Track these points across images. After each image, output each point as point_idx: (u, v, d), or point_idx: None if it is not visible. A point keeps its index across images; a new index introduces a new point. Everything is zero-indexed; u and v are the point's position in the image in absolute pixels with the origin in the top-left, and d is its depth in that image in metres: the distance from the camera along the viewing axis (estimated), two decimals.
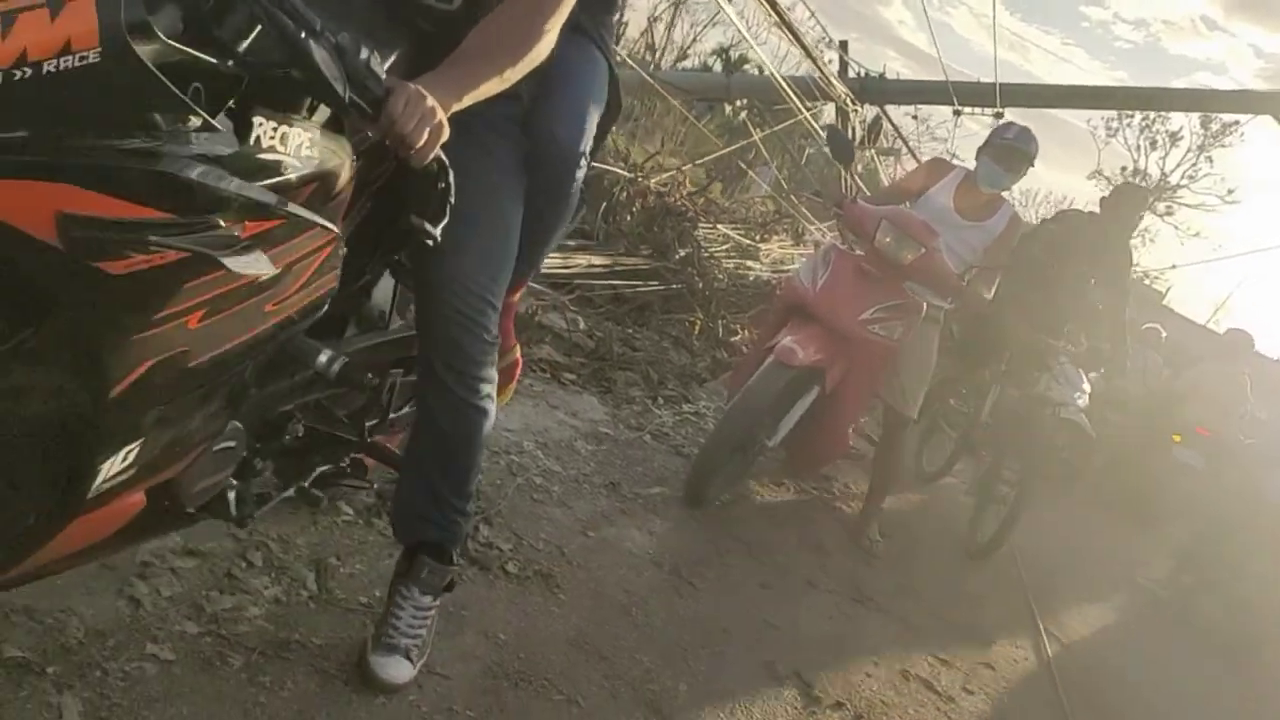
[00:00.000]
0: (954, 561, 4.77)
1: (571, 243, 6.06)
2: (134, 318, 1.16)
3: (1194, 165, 27.80)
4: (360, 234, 1.69)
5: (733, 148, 10.14)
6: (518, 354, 2.28)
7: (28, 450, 1.20)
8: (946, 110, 11.02)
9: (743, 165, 9.83)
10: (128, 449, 1.27)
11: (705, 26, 19.51)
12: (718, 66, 18.73)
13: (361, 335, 1.95)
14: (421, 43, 1.67)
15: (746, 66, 17.39)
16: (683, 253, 6.74)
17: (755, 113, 12.02)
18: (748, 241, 8.32)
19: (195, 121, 1.13)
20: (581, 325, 5.18)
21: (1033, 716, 3.52)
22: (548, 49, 1.64)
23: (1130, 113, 26.05)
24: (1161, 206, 27.86)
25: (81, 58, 1.00)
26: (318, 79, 1.21)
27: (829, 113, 11.49)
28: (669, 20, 19.10)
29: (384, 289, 2.00)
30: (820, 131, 11.36)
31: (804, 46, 9.10)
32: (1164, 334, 9.30)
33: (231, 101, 1.20)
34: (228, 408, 1.49)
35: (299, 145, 1.32)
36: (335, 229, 1.45)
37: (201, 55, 1.14)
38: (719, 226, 7.92)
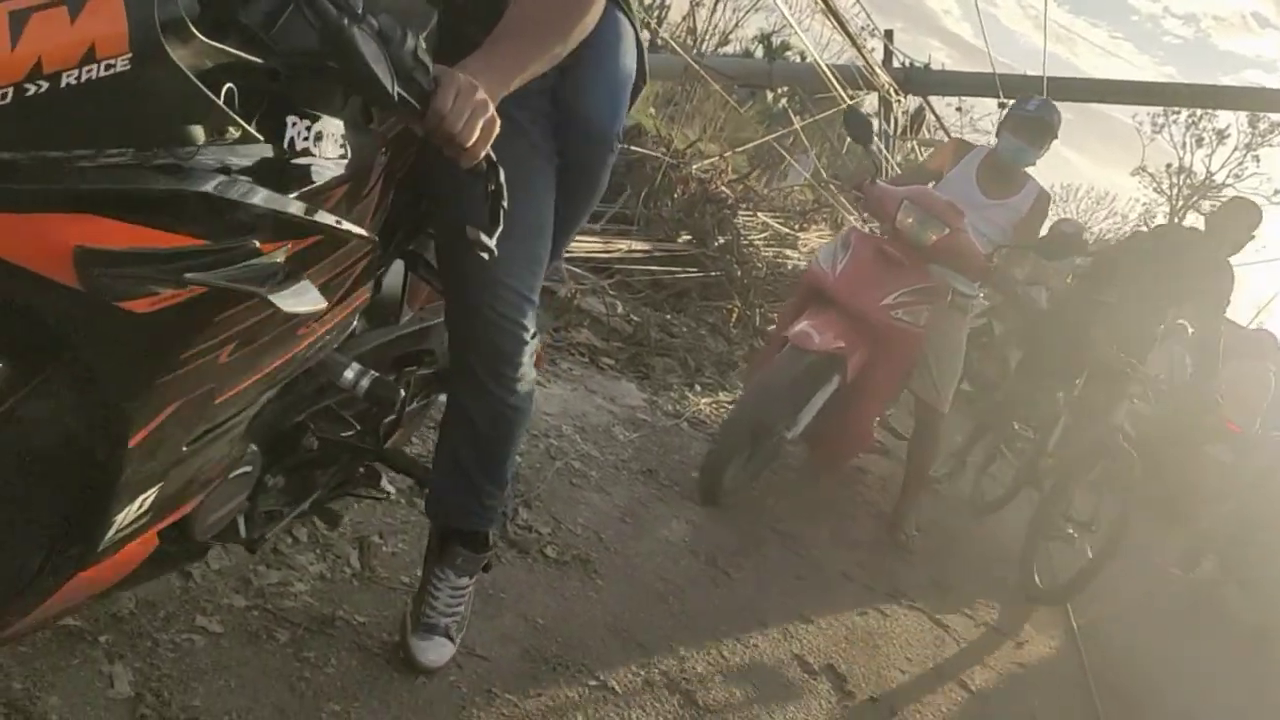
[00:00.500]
0: (989, 560, 4.74)
1: (612, 227, 6.06)
2: (160, 360, 1.03)
3: (1240, 164, 27.42)
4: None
5: (773, 135, 10.07)
6: (538, 342, 2.16)
7: (36, 502, 1.08)
8: (990, 103, 10.91)
9: (783, 151, 9.76)
10: (144, 497, 1.16)
11: (748, 11, 19.35)
12: (760, 53, 18.61)
13: (373, 332, 1.77)
14: (454, 9, 1.49)
15: (789, 53, 17.28)
16: (722, 240, 6.71)
17: (796, 101, 11.95)
18: (786, 230, 8.27)
19: (233, 132, 0.99)
20: (620, 310, 5.18)
21: (1067, 717, 3.49)
22: (595, 20, 1.51)
23: (1177, 109, 25.69)
24: (1206, 205, 27.44)
25: (108, 66, 0.85)
26: (362, 72, 1.05)
27: (871, 102, 11.41)
28: (712, 5, 18.97)
29: (394, 278, 1.82)
30: None
31: (848, 34, 9.05)
32: (1190, 330, 9.17)
33: (266, 102, 1.07)
34: (248, 433, 1.38)
35: (332, 145, 1.20)
36: (374, 237, 1.34)
37: (239, 53, 0.99)
38: (759, 214, 7.87)
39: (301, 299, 1.09)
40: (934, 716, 2.93)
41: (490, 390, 1.73)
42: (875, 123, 11.08)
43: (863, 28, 10.79)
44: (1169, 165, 28.39)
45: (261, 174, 1.03)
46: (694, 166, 7.34)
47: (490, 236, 1.29)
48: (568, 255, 5.16)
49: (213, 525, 1.44)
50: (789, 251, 7.87)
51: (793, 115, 10.30)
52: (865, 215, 4.09)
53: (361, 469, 1.93)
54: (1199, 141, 27.66)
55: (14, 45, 0.80)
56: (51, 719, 1.51)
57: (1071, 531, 4.28)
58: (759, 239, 7.36)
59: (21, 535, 1.10)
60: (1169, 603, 5.74)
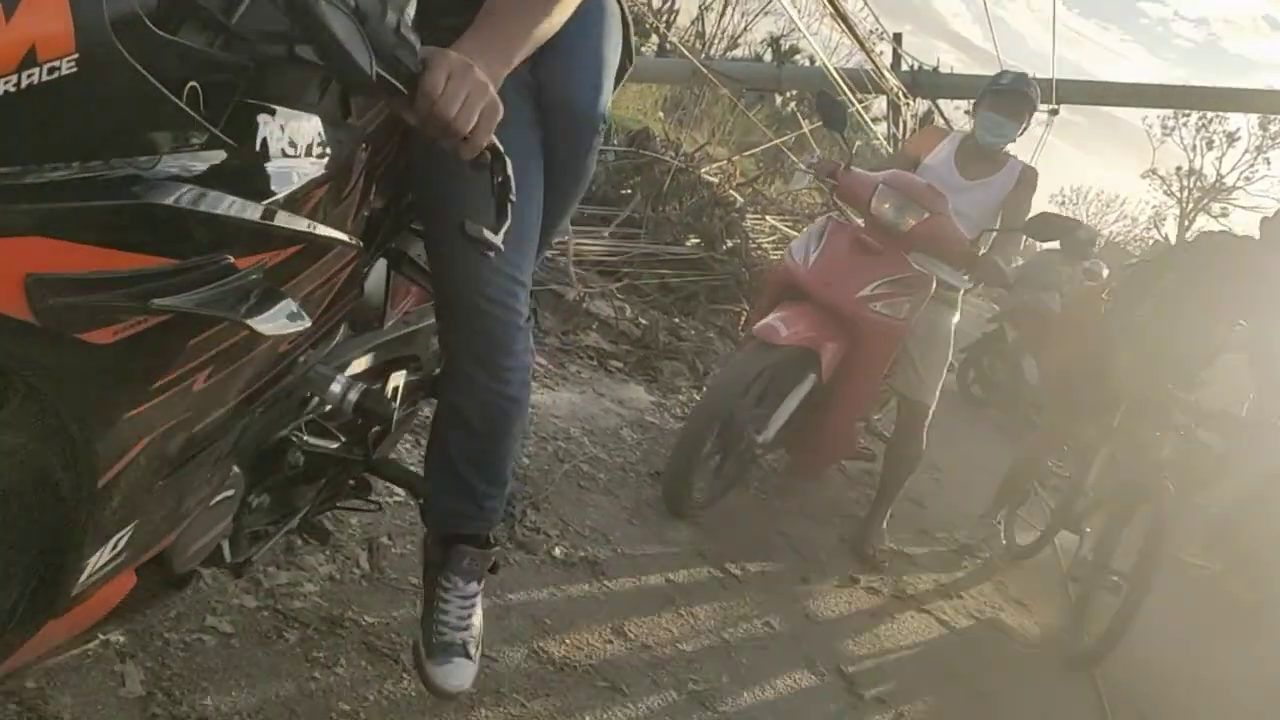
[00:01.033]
0: (995, 563, 4.72)
1: (620, 231, 6.08)
2: (127, 392, 0.93)
3: (1251, 166, 27.39)
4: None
5: (782, 139, 10.07)
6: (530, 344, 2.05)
7: (6, 546, 0.98)
8: None
9: (787, 152, 9.76)
10: (118, 537, 1.06)
11: (757, 15, 19.37)
12: (769, 57, 18.62)
13: (357, 338, 1.65)
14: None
15: (798, 57, 17.29)
16: (730, 243, 6.72)
17: (805, 104, 11.95)
18: (794, 234, 8.27)
19: (198, 135, 0.88)
20: (628, 313, 5.19)
21: (1075, 717, 3.49)
22: None
23: (1187, 111, 25.65)
24: (1216, 208, 27.41)
25: (52, 69, 0.73)
26: (333, 51, 0.93)
27: (880, 105, 11.41)
28: (720, 9, 19.00)
29: (376, 279, 1.69)
30: (871, 126, 11.30)
31: (857, 38, 9.03)
32: (1250, 349, 9.06)
33: (235, 99, 0.95)
34: (229, 456, 1.27)
35: (309, 144, 1.08)
36: (358, 243, 1.24)
37: (202, 48, 0.89)
38: (767, 218, 7.89)
39: (282, 319, 0.99)
40: (942, 719, 2.93)
41: (483, 382, 1.62)
42: (884, 125, 11.10)
43: (871, 31, 10.78)
44: (1179, 168, 28.38)
45: (232, 181, 0.94)
46: (702, 170, 7.36)
47: (496, 232, 1.17)
48: (576, 259, 5.18)
49: (194, 555, 1.36)
50: None
51: (801, 119, 10.27)
52: (840, 203, 3.70)
53: (351, 481, 1.85)
54: (1209, 144, 27.71)
55: None
56: (64, 718, 1.52)
57: (1117, 580, 3.71)
58: (767, 242, 7.37)
59: None
60: (1174, 590, 5.70)
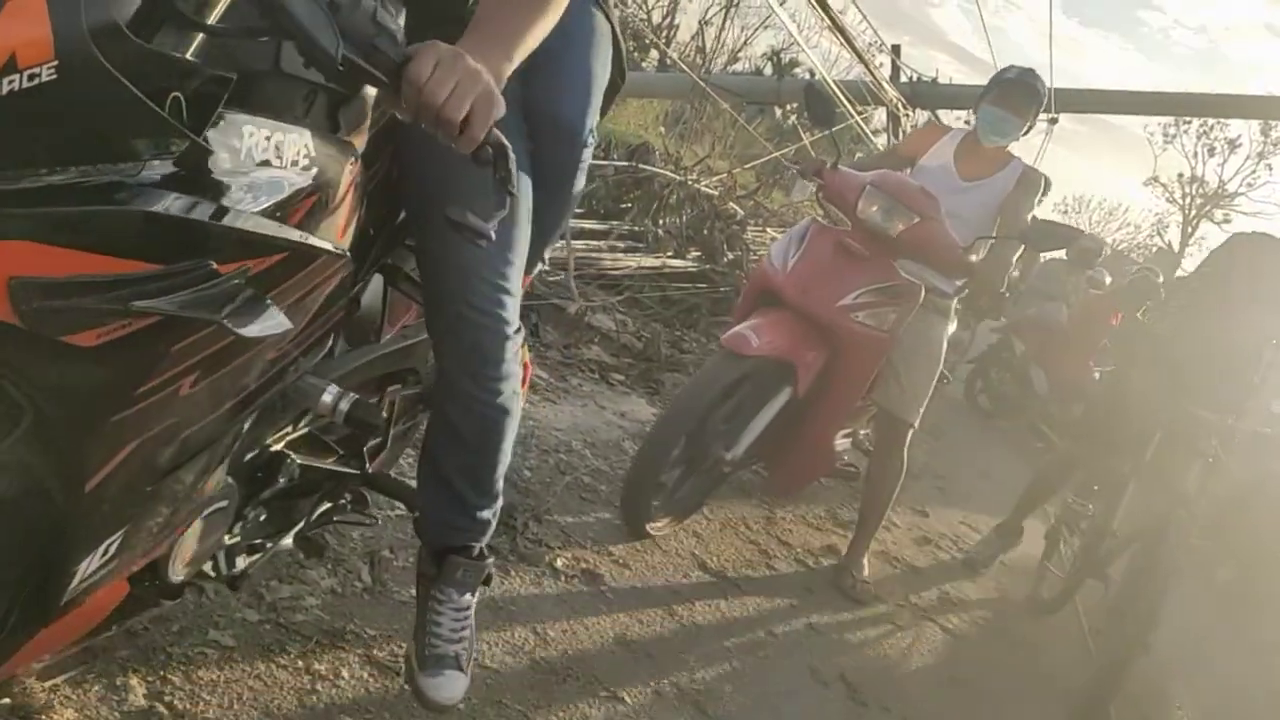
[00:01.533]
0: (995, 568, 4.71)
1: (621, 244, 6.11)
2: (112, 396, 0.94)
3: (1253, 172, 27.40)
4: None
5: (782, 151, 10.11)
6: (526, 357, 2.00)
7: None
8: None
9: (786, 163, 9.80)
10: (108, 543, 1.06)
11: (756, 30, 19.47)
12: (768, 70, 18.69)
13: (354, 353, 1.66)
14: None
15: (797, 70, 17.35)
16: (731, 256, 6.76)
17: (805, 117, 11.99)
18: None
19: (181, 144, 0.89)
20: (630, 326, 5.21)
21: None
22: None
23: (1188, 118, 25.68)
24: (1219, 214, 27.42)
25: (31, 76, 0.74)
26: (299, 35, 0.93)
27: (880, 117, 11.44)
28: (720, 23, 19.09)
29: (373, 295, 1.71)
30: (872, 138, 11.33)
31: (856, 50, 9.07)
32: None
33: (218, 109, 0.95)
34: (221, 466, 1.29)
35: (296, 155, 1.08)
36: (345, 253, 1.24)
37: (184, 58, 0.90)
38: (768, 230, 7.91)
39: (264, 323, 1.01)
40: None
41: (472, 393, 1.61)
42: (884, 138, 11.12)
43: (870, 43, 10.82)
44: (1181, 175, 28.39)
45: (215, 189, 0.95)
46: (703, 183, 7.39)
47: (489, 220, 1.14)
48: (578, 273, 5.20)
49: (188, 566, 1.36)
50: None
51: (802, 131, 10.30)
52: (825, 205, 3.41)
53: (347, 494, 1.84)
54: (1211, 151, 27.67)
55: None
56: None
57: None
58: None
59: None
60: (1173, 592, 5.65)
